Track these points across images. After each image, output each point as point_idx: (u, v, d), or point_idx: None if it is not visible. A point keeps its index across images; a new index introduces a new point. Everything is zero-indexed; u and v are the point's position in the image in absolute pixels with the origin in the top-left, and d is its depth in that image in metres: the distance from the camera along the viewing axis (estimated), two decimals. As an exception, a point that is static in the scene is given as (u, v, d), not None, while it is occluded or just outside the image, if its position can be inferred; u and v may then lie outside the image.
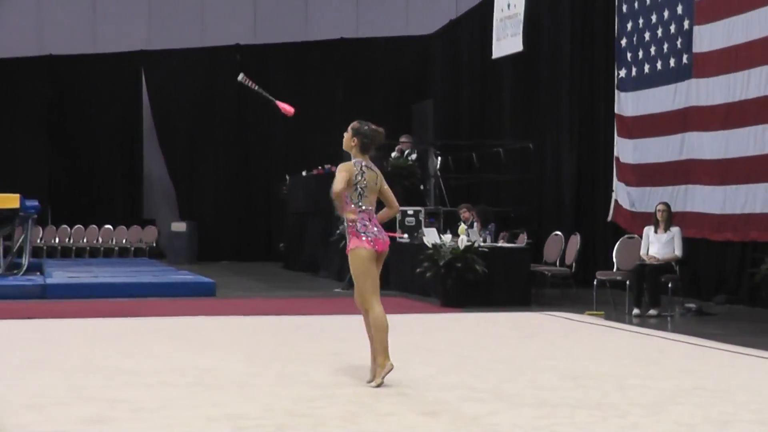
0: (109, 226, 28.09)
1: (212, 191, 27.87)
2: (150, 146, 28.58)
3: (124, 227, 28.15)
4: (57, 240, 28.01)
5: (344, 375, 8.18)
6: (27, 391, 7.41)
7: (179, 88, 28.20)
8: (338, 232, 18.74)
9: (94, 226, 28.15)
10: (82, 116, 28.48)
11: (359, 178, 7.64)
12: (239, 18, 29.62)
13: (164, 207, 28.83)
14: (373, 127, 7.84)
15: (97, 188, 28.65)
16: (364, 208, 7.68)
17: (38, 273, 18.94)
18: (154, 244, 27.97)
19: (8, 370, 8.42)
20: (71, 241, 28.09)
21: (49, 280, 16.96)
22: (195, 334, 11.12)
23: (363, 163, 7.72)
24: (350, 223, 7.66)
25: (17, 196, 17.56)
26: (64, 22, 29.54)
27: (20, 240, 19.39)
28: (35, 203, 18.78)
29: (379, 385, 7.56)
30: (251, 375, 8.17)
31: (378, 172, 7.80)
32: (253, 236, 27.15)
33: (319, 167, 21.74)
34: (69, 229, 28.20)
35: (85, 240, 28.02)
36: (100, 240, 27.97)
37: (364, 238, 7.62)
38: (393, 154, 18.52)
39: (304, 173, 22.69)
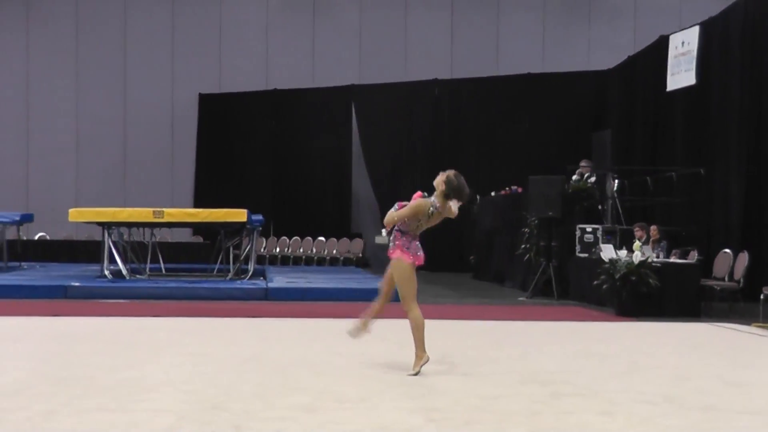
0: (322, 238, 28.61)
1: (411, 209, 28.04)
2: (358, 169, 28.99)
3: (334, 239, 28.61)
4: (278, 249, 28.69)
5: (527, 375, 8.11)
6: (251, 381, 7.60)
7: (383, 118, 28.50)
8: (523, 247, 18.68)
9: (309, 238, 28.71)
10: (300, 142, 29.12)
11: (427, 215, 8.06)
12: (437, 55, 29.82)
13: (369, 222, 29.15)
14: (463, 185, 8.13)
15: (313, 205, 29.22)
16: (416, 233, 8.14)
17: (262, 278, 19.34)
18: (360, 255, 28.33)
19: (236, 362, 8.66)
20: (290, 250, 28.73)
21: (270, 285, 17.27)
22: (393, 334, 11.19)
23: (436, 205, 8.08)
24: (398, 234, 8.10)
25: (245, 211, 18.00)
26: (287, 61, 30.38)
27: (247, 249, 19.92)
28: (260, 217, 19.28)
29: (416, 374, 7.95)
30: (440, 373, 8.18)
31: (441, 217, 8.20)
32: (446, 249, 27.13)
33: (507, 188, 21.63)
34: (288, 240, 28.85)
35: (301, 250, 28.60)
36: (314, 250, 28.51)
37: (408, 253, 8.08)
38: (574, 177, 18.30)
39: (492, 194, 22.65)
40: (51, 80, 30.88)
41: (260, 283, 17.73)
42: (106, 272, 18.33)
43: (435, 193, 8.15)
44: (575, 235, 17.12)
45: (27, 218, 22.13)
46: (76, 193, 30.17)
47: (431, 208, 8.07)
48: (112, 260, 18.51)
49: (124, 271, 18.43)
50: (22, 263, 23.42)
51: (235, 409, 6.41)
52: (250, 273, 18.89)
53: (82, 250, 25.82)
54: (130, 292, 16.40)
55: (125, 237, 20.01)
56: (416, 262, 8.14)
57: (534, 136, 26.52)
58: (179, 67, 30.78)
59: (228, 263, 19.83)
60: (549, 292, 17.38)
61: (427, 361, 8.08)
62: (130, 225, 19.29)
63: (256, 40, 30.62)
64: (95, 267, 20.12)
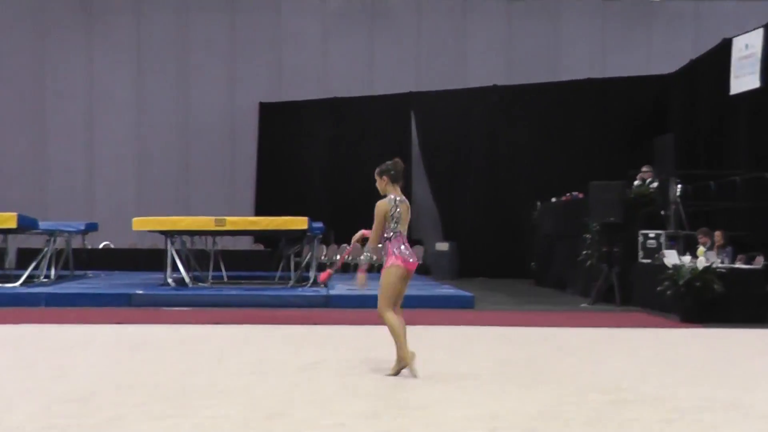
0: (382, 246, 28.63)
1: (471, 215, 27.94)
2: (417, 175, 28.96)
3: (394, 246, 28.63)
4: (338, 257, 28.78)
5: (589, 382, 8.04)
6: (312, 388, 7.64)
7: (442, 124, 28.45)
8: (584, 253, 18.54)
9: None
10: (359, 150, 29.18)
11: (393, 211, 8.25)
12: (496, 61, 29.76)
13: (430, 228, 29.13)
14: (391, 162, 8.47)
15: (372, 212, 29.10)
16: (399, 231, 8.27)
17: (322, 285, 19.45)
18: (421, 262, 28.32)
19: (297, 369, 8.70)
20: (350, 257, 28.80)
21: (331, 292, 17.32)
22: (455, 342, 11.19)
23: (397, 198, 8.31)
24: (387, 243, 8.29)
25: (306, 218, 18.09)
26: (346, 69, 30.51)
27: (308, 256, 20.02)
28: (320, 225, 19.36)
29: (394, 375, 8.21)
30: (502, 381, 8.14)
31: (407, 203, 8.44)
32: (507, 255, 27.03)
33: (567, 194, 21.51)
34: (348, 247, 28.89)
35: (361, 257, 28.62)
36: (374, 258, 28.52)
37: (398, 258, 8.22)
38: (635, 183, 18.13)
39: (553, 200, 22.54)
40: (113, 91, 31.33)
41: (321, 290, 17.78)
42: (169, 280, 18.54)
43: (387, 192, 8.40)
44: (637, 240, 16.96)
45: (92, 227, 22.44)
46: (139, 201, 30.55)
47: (392, 203, 8.28)
48: (175, 268, 18.71)
49: (187, 279, 18.63)
50: (88, 272, 23.79)
51: (296, 416, 6.44)
52: (311, 280, 18.96)
53: (145, 259, 26.15)
54: (192, 299, 16.56)
55: (188, 245, 20.23)
56: (408, 267, 8.28)
57: (594, 141, 26.32)
58: (239, 75, 31.05)
59: (289, 271, 19.94)
60: (611, 298, 17.24)
61: (405, 366, 8.23)
62: (192, 233, 19.50)
63: (314, 48, 30.79)
64: (158, 275, 20.36)
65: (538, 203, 23.66)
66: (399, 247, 8.27)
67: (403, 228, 8.34)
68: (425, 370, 8.54)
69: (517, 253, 26.59)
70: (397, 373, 8.26)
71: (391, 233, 8.28)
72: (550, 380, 8.18)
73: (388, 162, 8.49)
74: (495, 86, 27.99)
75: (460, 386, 7.80)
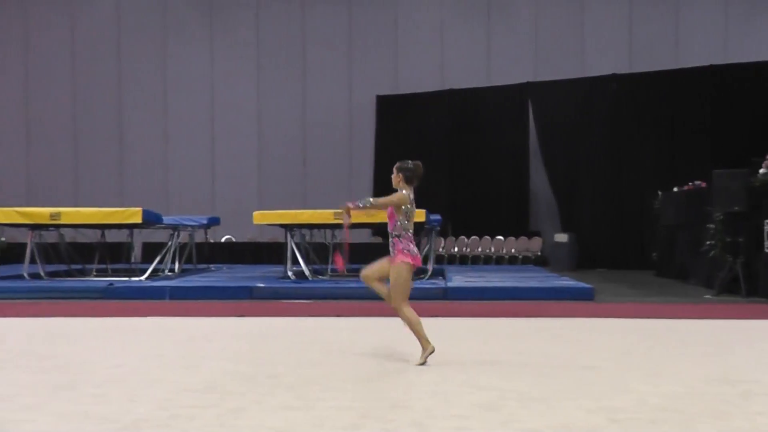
0: (500, 237, 28.55)
1: (590, 205, 27.60)
2: (535, 166, 28.76)
3: (512, 238, 28.53)
4: (456, 249, 28.79)
5: (714, 374, 7.88)
6: (432, 380, 7.67)
7: (560, 114, 28.14)
8: (708, 243, 18.12)
9: (487, 237, 28.70)
10: (476, 141, 29.11)
11: (410, 207, 8.52)
12: (615, 49, 29.32)
13: (548, 220, 28.92)
14: (413, 162, 8.76)
15: (490, 204, 29.12)
16: (410, 232, 8.55)
17: (440, 277, 19.42)
18: (539, 253, 28.13)
19: (414, 361, 8.75)
20: (467, 250, 28.78)
21: (449, 284, 17.34)
22: (575, 334, 11.08)
23: (411, 196, 8.59)
24: (396, 240, 8.53)
25: (423, 211, 18.05)
26: (463, 60, 30.46)
27: (425, 249, 20.06)
28: (437, 217, 19.36)
29: (422, 364, 8.39)
30: (623, 372, 8.04)
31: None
32: (627, 246, 26.64)
33: (689, 183, 21.05)
34: (465, 239, 28.92)
35: (479, 249, 28.61)
36: (492, 249, 28.48)
37: (407, 255, 8.47)
38: (760, 170, 17.63)
39: (675, 189, 22.10)
40: (233, 87, 31.93)
41: (439, 282, 17.80)
42: (289, 273, 18.78)
43: (400, 188, 8.64)
44: (763, 230, 16.51)
45: (214, 221, 22.92)
46: (259, 195, 31.07)
47: (410, 198, 8.56)
48: (295, 261, 18.96)
49: (307, 272, 18.85)
50: (210, 265, 24.30)
51: (417, 407, 6.48)
52: (429, 273, 18.97)
53: (266, 252, 26.60)
54: (312, 292, 16.76)
55: (307, 238, 20.46)
56: (416, 263, 8.55)
57: (717, 128, 25.67)
58: (356, 69, 31.29)
59: (407, 263, 19.98)
60: (736, 289, 16.83)
61: (433, 351, 8.48)
62: (311, 227, 19.71)
63: (431, 41, 30.82)
64: (278, 268, 20.66)
65: (659, 193, 23.23)
66: (408, 246, 8.53)
67: (411, 227, 8.59)
68: (546, 363, 8.49)
69: (638, 244, 26.18)
70: (424, 361, 8.46)
71: (402, 231, 8.53)
72: (674, 372, 8.04)
73: (410, 162, 8.77)
74: (614, 75, 27.55)
75: (580, 378, 7.73)
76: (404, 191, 8.57)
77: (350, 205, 8.59)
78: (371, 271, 8.80)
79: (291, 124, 31.59)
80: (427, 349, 8.49)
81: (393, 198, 8.51)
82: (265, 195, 30.97)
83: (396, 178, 8.70)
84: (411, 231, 8.61)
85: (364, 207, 8.53)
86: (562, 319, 12.74)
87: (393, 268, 8.53)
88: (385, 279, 8.76)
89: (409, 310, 8.52)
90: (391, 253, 8.59)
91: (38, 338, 10.70)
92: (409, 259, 8.48)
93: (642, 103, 26.99)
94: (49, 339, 10.64)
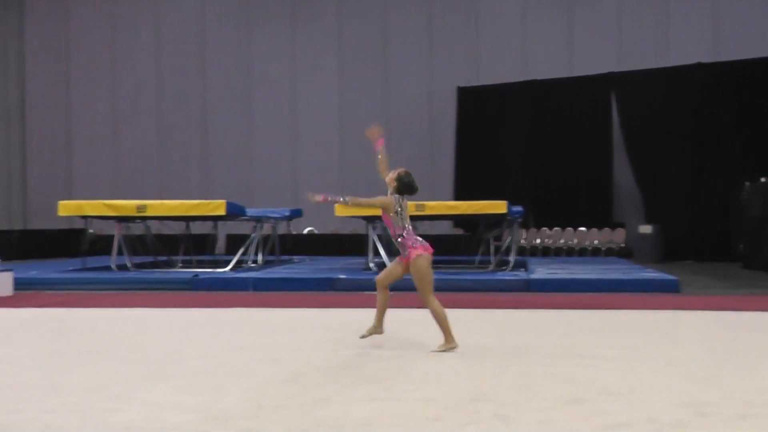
0: (583, 229, 28.31)
1: (675, 196, 27.20)
2: (619, 157, 28.43)
3: (595, 229, 28.27)
4: (538, 240, 28.62)
5: (804, 370, 7.73)
6: (515, 372, 7.63)
7: (644, 105, 27.76)
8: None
9: (570, 228, 28.49)
10: (558, 133, 28.89)
11: (398, 208, 8.65)
12: (700, 38, 28.79)
13: (632, 211, 28.57)
14: (413, 181, 8.77)
15: (572, 195, 28.88)
16: (410, 226, 8.76)
17: (523, 269, 19.30)
18: (623, 245, 27.82)
19: (499, 353, 8.71)
20: (550, 241, 28.59)
21: (532, 276, 17.23)
22: (660, 327, 10.94)
23: (402, 200, 8.71)
24: (402, 240, 8.74)
25: (505, 202, 18.07)
26: (544, 51, 30.22)
27: (507, 240, 20.00)
28: (519, 209, 19.27)
29: (438, 352, 8.65)
30: (711, 366, 7.90)
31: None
32: (714, 238, 26.20)
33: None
34: (548, 230, 28.74)
35: (561, 240, 28.41)
36: (575, 241, 28.25)
37: (419, 247, 8.64)
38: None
39: (762, 179, 21.68)
40: (315, 80, 32.15)
41: (521, 274, 17.72)
42: (371, 265, 18.86)
43: (389, 190, 8.77)
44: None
45: (296, 213, 23.12)
46: (342, 188, 31.22)
47: (397, 200, 8.69)
48: (376, 253, 19.02)
49: (388, 264, 18.86)
50: (293, 257, 24.51)
51: (500, 400, 6.46)
52: (512, 264, 18.92)
53: (347, 244, 26.73)
54: (393, 284, 16.74)
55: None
56: (431, 252, 8.70)
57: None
58: (438, 60, 31.26)
59: (488, 255, 19.95)
60: (827, 282, 16.47)
61: (454, 348, 8.69)
62: (392, 218, 19.72)
63: (512, 32, 30.64)
64: (360, 260, 20.76)
65: (747, 183, 22.81)
66: (416, 240, 8.72)
67: (409, 223, 8.81)
68: (630, 356, 8.41)
69: (724, 236, 25.74)
70: (441, 351, 8.69)
71: (403, 230, 8.71)
72: (764, 366, 7.89)
73: (411, 176, 8.81)
74: (700, 64, 27.08)
75: (665, 371, 7.63)
76: (392, 195, 8.71)
77: (318, 198, 8.81)
78: (384, 276, 9.01)
79: (372, 116, 31.59)
80: (450, 344, 8.69)
81: (376, 201, 8.78)
82: (347, 187, 31.11)
83: (392, 180, 8.78)
84: (410, 226, 8.79)
85: (339, 202, 8.82)
86: (647, 312, 12.58)
87: (411, 266, 8.68)
88: (396, 281, 9.02)
89: (437, 304, 8.70)
90: (403, 254, 8.76)
91: (126, 329, 10.92)
92: (421, 250, 8.63)
93: (728, 92, 26.48)
94: (136, 330, 10.85)
